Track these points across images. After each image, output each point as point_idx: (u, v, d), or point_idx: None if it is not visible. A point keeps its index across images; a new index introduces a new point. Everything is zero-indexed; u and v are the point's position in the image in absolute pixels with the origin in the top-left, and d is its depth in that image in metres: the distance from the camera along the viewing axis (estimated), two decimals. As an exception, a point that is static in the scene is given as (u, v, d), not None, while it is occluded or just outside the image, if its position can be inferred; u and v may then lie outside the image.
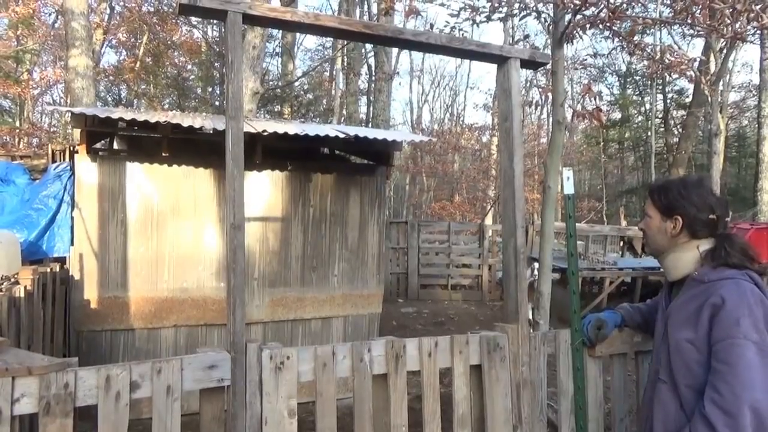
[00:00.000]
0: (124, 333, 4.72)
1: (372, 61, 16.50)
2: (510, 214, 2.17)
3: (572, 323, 2.20)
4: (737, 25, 4.94)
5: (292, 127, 4.55)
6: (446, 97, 31.88)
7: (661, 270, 2.03)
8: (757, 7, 4.33)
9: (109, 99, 18.38)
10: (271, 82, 17.83)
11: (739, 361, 1.64)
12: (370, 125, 13.90)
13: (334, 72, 17.81)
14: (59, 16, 16.36)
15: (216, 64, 15.87)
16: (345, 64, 16.63)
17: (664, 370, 1.88)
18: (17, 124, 18.17)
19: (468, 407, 2.06)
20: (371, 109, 15.70)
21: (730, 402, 1.61)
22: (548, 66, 5.11)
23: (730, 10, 4.83)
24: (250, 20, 1.82)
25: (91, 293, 4.59)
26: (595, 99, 4.75)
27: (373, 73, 15.32)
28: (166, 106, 17.51)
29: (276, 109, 15.73)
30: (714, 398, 1.65)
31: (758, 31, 4.91)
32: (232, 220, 1.74)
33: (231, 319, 1.71)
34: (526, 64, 2.22)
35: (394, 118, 29.80)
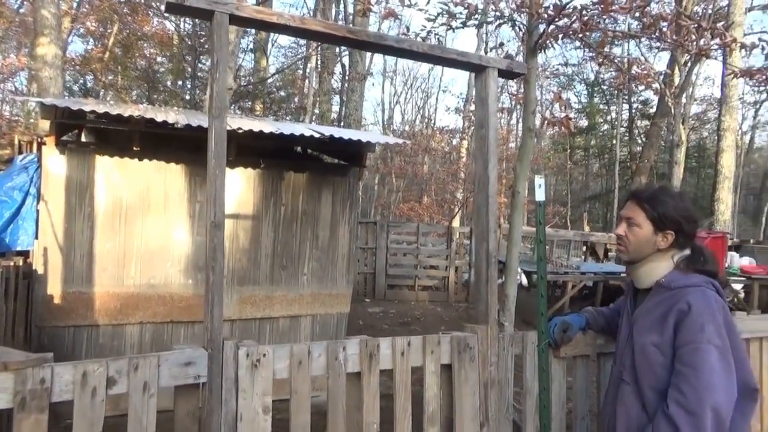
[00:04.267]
0: (87, 329, 4.64)
1: (346, 60, 16.52)
2: (483, 218, 2.24)
3: (539, 325, 2.28)
4: (701, 42, 5.14)
5: (267, 126, 4.55)
6: (418, 99, 32.03)
7: (622, 275, 2.10)
8: (720, 24, 4.53)
9: (76, 89, 17.90)
10: (244, 78, 17.66)
11: (703, 365, 1.73)
12: (342, 125, 13.90)
13: (308, 70, 17.75)
14: (25, 2, 15.88)
15: (188, 57, 15.63)
16: (319, 62, 16.59)
17: (628, 372, 1.97)
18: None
19: (438, 405, 2.12)
20: (344, 108, 15.70)
21: (693, 403, 1.70)
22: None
23: (696, 27, 5.03)
24: (237, 21, 1.84)
25: (54, 288, 4.50)
26: (564, 107, 4.88)
27: (347, 73, 15.33)
28: (135, 98, 17.17)
29: (248, 106, 15.59)
30: (678, 399, 1.74)
31: (720, 48, 5.12)
32: (212, 218, 1.75)
33: (209, 317, 1.73)
34: (503, 73, 2.29)
35: (365, 118, 29.83)
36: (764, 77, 4.95)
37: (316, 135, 4.43)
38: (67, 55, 17.31)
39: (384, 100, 37.60)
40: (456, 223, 18.63)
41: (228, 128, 4.40)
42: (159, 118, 4.07)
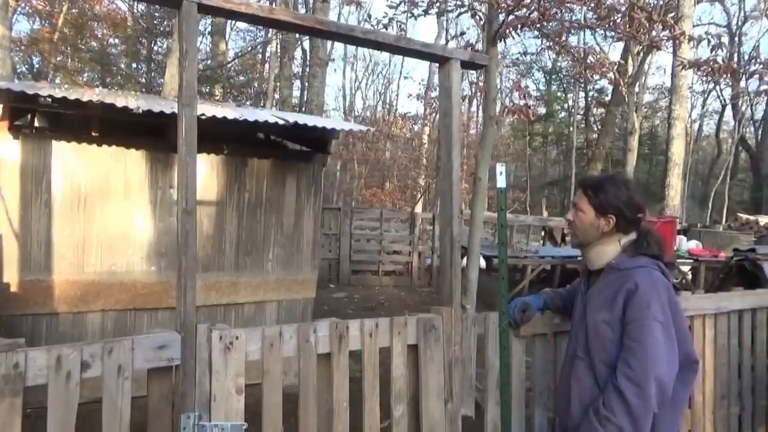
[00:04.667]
0: (47, 317, 4.56)
1: (307, 45, 16.35)
2: (447, 204, 2.33)
3: (500, 306, 2.40)
4: (653, 33, 5.35)
5: (230, 112, 4.53)
6: (379, 84, 32.01)
7: (579, 259, 2.24)
8: (670, 16, 4.72)
9: (25, 70, 17.19)
10: (202, 62, 17.29)
11: (648, 339, 1.87)
12: (303, 110, 13.82)
13: (267, 55, 17.49)
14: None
15: (142, 39, 15.19)
16: (279, 47, 16.38)
17: (582, 348, 2.11)
18: None
19: (405, 384, 2.21)
20: (305, 93, 15.59)
21: (639, 374, 1.85)
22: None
23: (647, 18, 5.22)
24: (206, 10, 1.86)
25: (11, 276, 4.39)
26: (524, 96, 5.02)
27: (308, 58, 15.19)
28: (87, 81, 16.61)
29: (207, 90, 15.30)
30: (625, 371, 1.88)
31: (669, 39, 5.34)
32: (184, 205, 1.78)
33: (181, 301, 1.77)
34: (466, 65, 2.37)
35: (327, 103, 29.60)
36: (710, 68, 5.18)
37: (281, 122, 4.44)
38: (12, 35, 16.58)
39: (345, 85, 37.39)
40: (419, 208, 18.83)
41: (191, 114, 4.38)
42: (119, 104, 4.00)
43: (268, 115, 4.70)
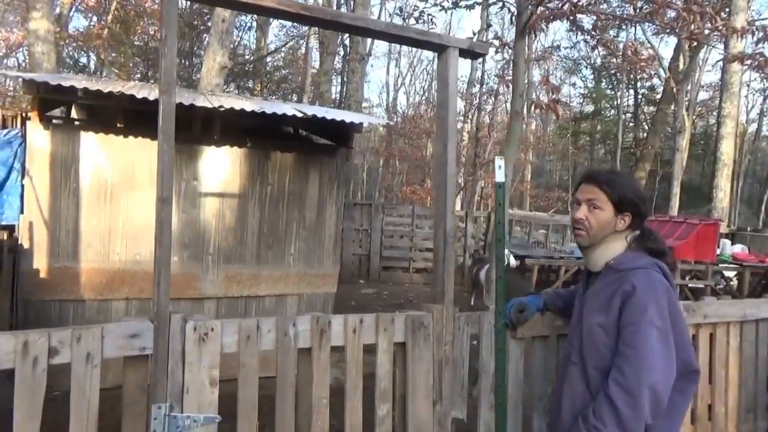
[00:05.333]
0: (74, 304, 4.70)
1: (348, 40, 16.37)
2: (441, 199, 2.25)
3: (496, 306, 2.30)
4: (692, 26, 5.08)
5: (250, 104, 4.55)
6: (423, 81, 31.82)
7: None
8: (708, 7, 4.46)
9: (80, 65, 17.87)
10: (246, 57, 17.56)
11: (643, 345, 1.75)
12: (342, 106, 13.85)
13: (303, 50, 17.59)
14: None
15: (184, 35, 15.53)
16: (320, 42, 16.47)
17: (576, 352, 1.99)
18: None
19: (390, 382, 2.14)
20: (344, 89, 15.63)
21: (631, 382, 1.73)
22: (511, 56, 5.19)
23: (685, 11, 4.96)
24: (186, -4, 1.84)
25: (40, 262, 4.54)
26: (552, 92, 4.85)
27: (348, 53, 15.22)
28: (138, 77, 17.12)
29: (248, 85, 15.53)
30: (618, 379, 1.76)
31: (711, 32, 5.05)
32: (160, 193, 1.76)
33: (156, 290, 1.75)
34: (465, 53, 2.28)
35: (369, 99, 29.68)
36: (756, 62, 4.88)
37: (299, 114, 4.42)
38: (68, 31, 17.26)
39: (389, 82, 37.37)
40: (457, 206, 18.64)
41: (209, 106, 4.42)
42: (139, 95, 4.07)
43: (287, 107, 4.70)
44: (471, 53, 2.28)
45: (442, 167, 2.24)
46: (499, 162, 2.28)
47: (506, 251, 7.88)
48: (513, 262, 8.11)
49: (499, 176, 2.29)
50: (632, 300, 1.81)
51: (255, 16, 17.40)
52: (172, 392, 1.78)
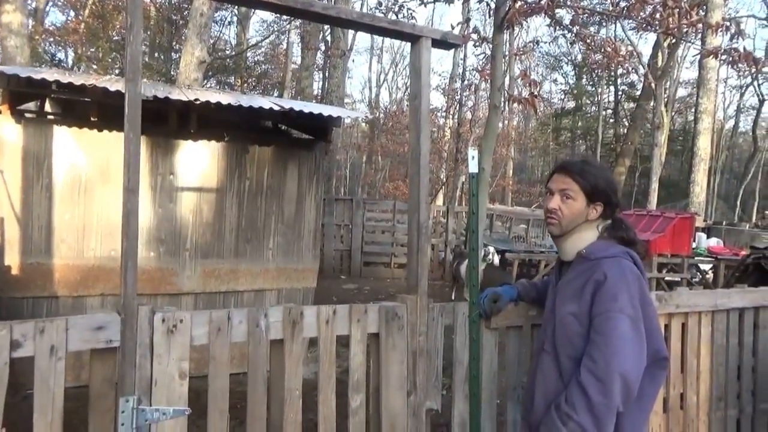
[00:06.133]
0: (47, 300, 4.62)
1: (330, 36, 16.29)
2: (415, 190, 2.24)
3: (470, 296, 2.31)
4: (668, 21, 5.13)
5: (226, 97, 4.50)
6: (405, 77, 31.77)
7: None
8: (684, 3, 4.51)
9: (49, 60, 17.57)
10: (227, 52, 17.39)
11: (614, 333, 1.76)
12: (324, 101, 13.79)
13: (284, 45, 17.48)
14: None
15: (162, 30, 15.33)
16: (301, 37, 16.37)
17: (549, 341, 2.00)
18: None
19: (363, 373, 2.14)
20: (326, 84, 15.56)
21: (602, 369, 1.74)
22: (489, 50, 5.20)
23: (662, 6, 5.01)
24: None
25: (12, 259, 4.46)
26: (530, 85, 4.87)
27: (329, 49, 15.15)
28: (117, 72, 16.86)
29: (228, 81, 15.39)
30: (589, 366, 1.77)
31: (688, 27, 5.11)
32: (126, 183, 1.73)
33: (122, 282, 1.72)
34: (438, 44, 2.27)
35: (351, 95, 29.61)
36: (730, 58, 4.95)
37: (275, 107, 4.39)
38: (45, 26, 16.95)
39: (371, 78, 37.29)
40: (439, 201, 18.69)
41: (185, 99, 4.37)
42: (113, 88, 4.00)
43: (265, 101, 4.66)
44: (444, 44, 2.27)
45: (415, 158, 2.24)
46: (473, 153, 2.28)
47: (491, 248, 7.90)
48: (497, 260, 8.14)
49: (473, 167, 2.29)
50: (603, 288, 1.82)
51: (235, 10, 17.26)
52: (140, 385, 1.76)
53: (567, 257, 2.05)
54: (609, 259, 1.89)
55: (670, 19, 5.09)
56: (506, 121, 24.87)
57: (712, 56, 5.23)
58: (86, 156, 4.60)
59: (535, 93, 4.82)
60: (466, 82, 15.88)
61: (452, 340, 2.34)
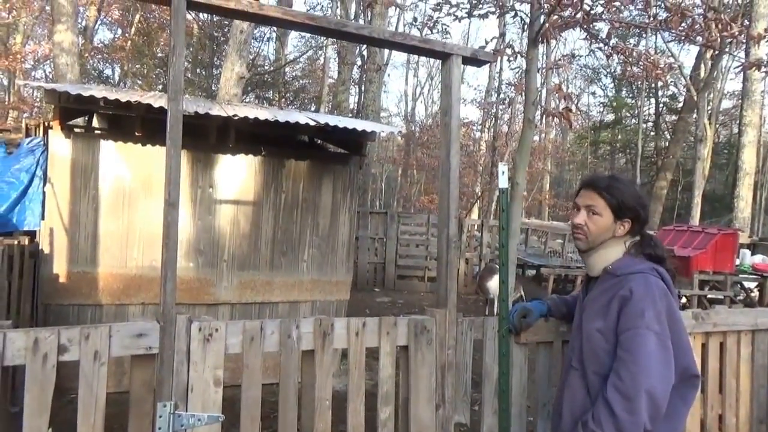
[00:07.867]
0: (91, 308, 4.80)
1: (366, 51, 16.49)
2: (445, 204, 2.27)
3: (500, 311, 2.31)
4: (708, 33, 5.05)
5: (264, 113, 4.62)
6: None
7: None
8: (723, 15, 4.43)
9: (97, 76, 18.32)
10: (266, 67, 17.80)
11: (640, 350, 1.75)
12: (360, 115, 13.96)
13: (322, 60, 17.77)
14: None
15: (205, 47, 15.81)
16: (338, 52, 16.63)
17: (576, 357, 2.00)
18: (7, 98, 18.06)
19: (392, 385, 2.16)
20: (362, 99, 15.73)
21: (629, 387, 1.73)
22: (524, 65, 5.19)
23: (702, 17, 4.94)
24: (195, 7, 1.90)
25: (60, 267, 4.66)
26: (564, 99, 4.85)
27: (365, 64, 15.34)
28: (160, 87, 17.45)
29: (267, 95, 15.73)
30: (615, 383, 1.76)
31: (727, 38, 5.01)
32: (167, 197, 1.82)
33: (162, 291, 1.80)
34: (468, 61, 2.31)
35: (388, 109, 29.81)
36: (774, 70, 4.83)
37: (311, 122, 4.49)
38: (94, 43, 17.68)
39: (407, 91, 37.47)
40: (474, 215, 18.60)
41: (224, 115, 4.51)
42: (157, 104, 4.16)
43: (301, 117, 4.77)
44: (475, 61, 2.31)
45: (445, 173, 2.27)
46: (503, 168, 2.30)
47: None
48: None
49: (502, 182, 2.31)
50: (629, 304, 1.82)
51: (275, 27, 17.66)
52: (177, 391, 1.83)
53: (594, 273, 2.05)
54: (635, 275, 1.88)
55: (711, 31, 5.00)
56: (543, 135, 24.60)
57: (754, 68, 5.11)
58: (130, 169, 4.78)
59: (570, 107, 4.78)
60: (501, 96, 15.84)
61: (482, 354, 2.35)
